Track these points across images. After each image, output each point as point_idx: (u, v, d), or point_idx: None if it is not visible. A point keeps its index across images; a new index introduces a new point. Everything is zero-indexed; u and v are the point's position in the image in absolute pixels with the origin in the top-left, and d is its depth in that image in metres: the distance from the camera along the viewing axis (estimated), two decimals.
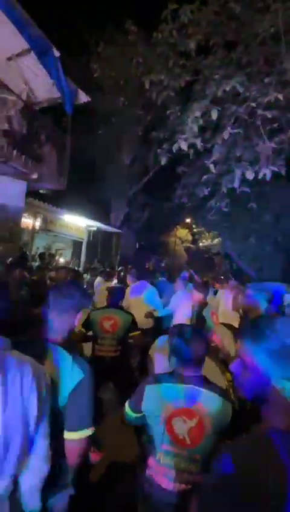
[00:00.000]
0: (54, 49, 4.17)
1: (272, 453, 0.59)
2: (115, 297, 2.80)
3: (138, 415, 1.32)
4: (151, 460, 1.25)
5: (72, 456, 1.10)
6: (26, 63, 4.67)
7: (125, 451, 2.21)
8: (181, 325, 1.40)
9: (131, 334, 2.71)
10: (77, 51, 9.46)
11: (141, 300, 3.81)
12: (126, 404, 1.39)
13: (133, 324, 2.71)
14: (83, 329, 2.65)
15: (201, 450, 1.20)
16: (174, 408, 1.22)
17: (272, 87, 3.28)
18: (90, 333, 2.69)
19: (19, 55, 4.57)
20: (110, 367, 2.57)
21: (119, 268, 6.26)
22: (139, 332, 2.78)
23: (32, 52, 4.15)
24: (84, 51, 9.91)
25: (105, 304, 2.82)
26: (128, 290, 3.85)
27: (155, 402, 1.25)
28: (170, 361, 1.34)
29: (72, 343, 1.32)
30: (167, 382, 1.27)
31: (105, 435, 1.56)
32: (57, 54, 4.17)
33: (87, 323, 2.64)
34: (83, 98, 5.16)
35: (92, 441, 1.14)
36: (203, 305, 3.55)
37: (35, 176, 4.63)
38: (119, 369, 2.61)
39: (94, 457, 1.25)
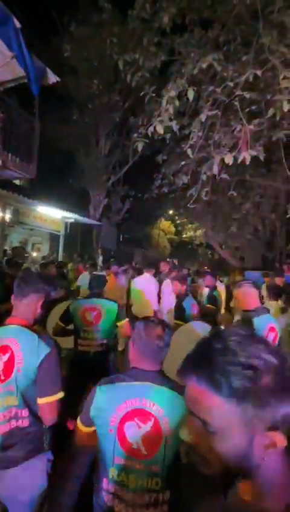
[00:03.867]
0: (15, 19, 3.74)
1: None
2: (98, 286, 2.57)
3: (90, 429, 1.11)
4: (104, 482, 1.05)
5: (46, 417, 1.28)
6: None
7: None
8: (146, 317, 1.26)
9: (118, 323, 2.50)
10: (47, 31, 8.86)
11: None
12: (78, 418, 1.16)
13: (120, 313, 2.50)
14: (60, 323, 2.42)
15: (160, 460, 1.01)
16: (126, 410, 1.05)
17: (250, 66, 3.10)
18: (71, 327, 2.45)
19: None
20: (94, 365, 2.33)
21: (125, 267, 6.08)
22: (127, 320, 2.57)
23: None
24: (55, 30, 9.29)
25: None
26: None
27: (105, 405, 1.07)
28: (131, 357, 1.18)
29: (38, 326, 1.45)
30: (120, 381, 1.11)
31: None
32: (18, 25, 3.75)
33: (67, 316, 2.41)
34: (52, 78, 4.75)
35: (67, 411, 1.34)
36: (183, 296, 3.46)
37: None
38: (103, 368, 2.37)
39: (70, 424, 1.43)
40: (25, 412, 1.27)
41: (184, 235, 22.28)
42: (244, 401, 0.45)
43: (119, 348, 2.82)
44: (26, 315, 1.36)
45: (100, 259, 7.85)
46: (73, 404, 1.98)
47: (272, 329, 2.01)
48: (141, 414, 1.04)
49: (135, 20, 4.27)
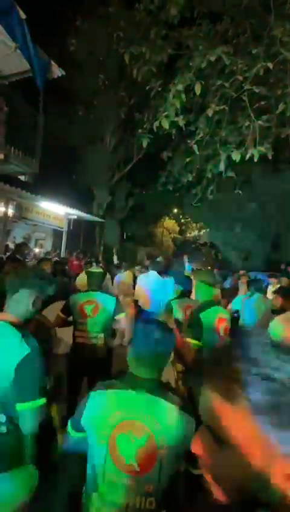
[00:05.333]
0: (20, 10, 3.67)
1: None
2: (96, 280, 2.64)
3: (80, 435, 1.03)
4: (94, 497, 0.96)
5: (25, 425, 1.16)
6: None
7: None
8: (147, 319, 1.17)
9: (116, 317, 2.53)
10: (52, 24, 8.77)
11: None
12: (68, 422, 1.09)
13: (118, 307, 2.55)
14: (61, 315, 2.50)
15: (155, 478, 0.92)
16: (119, 420, 0.96)
17: (261, 59, 2.99)
18: (70, 318, 2.53)
19: None
20: (89, 358, 2.37)
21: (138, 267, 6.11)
22: (124, 314, 2.61)
23: None
24: (61, 24, 9.19)
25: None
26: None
27: (97, 412, 0.99)
28: (128, 362, 1.08)
29: (27, 325, 1.36)
30: (115, 388, 1.02)
31: None
32: (23, 15, 3.68)
33: (68, 308, 2.49)
34: (56, 71, 4.68)
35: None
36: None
37: (0, 157, 4.18)
38: (99, 360, 2.40)
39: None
40: (2, 418, 1.16)
41: (188, 234, 22.17)
42: (263, 416, 0.39)
43: (116, 342, 2.84)
44: (15, 311, 1.29)
45: (114, 257, 7.80)
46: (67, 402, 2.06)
47: (221, 320, 2.10)
48: (135, 427, 0.95)
49: (141, 13, 4.17)
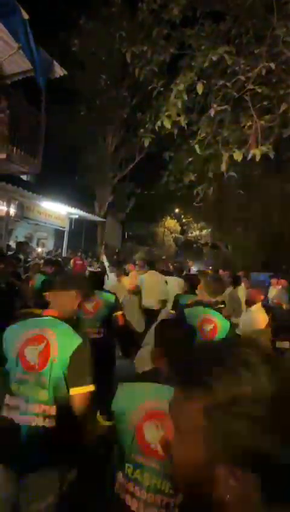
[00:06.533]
0: (22, 10, 3.68)
1: None
2: (96, 280, 2.88)
3: (108, 423, 1.23)
4: (119, 476, 1.08)
5: (77, 408, 1.29)
6: None
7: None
8: (168, 320, 1.43)
9: (114, 313, 2.78)
10: (55, 24, 8.77)
11: None
12: (97, 412, 1.30)
13: (116, 304, 2.81)
14: None
15: None
16: (146, 410, 1.07)
17: (263, 59, 2.98)
18: None
19: None
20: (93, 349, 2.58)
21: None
22: (122, 312, 2.88)
23: None
24: (63, 24, 9.20)
25: None
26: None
27: (127, 402, 1.11)
28: (151, 355, 1.24)
29: (72, 320, 1.52)
30: (144, 380, 1.15)
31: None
32: (25, 16, 3.69)
33: None
34: (58, 71, 4.68)
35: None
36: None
37: (2, 156, 4.18)
38: (101, 352, 2.59)
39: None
40: (53, 410, 1.26)
41: (190, 234, 22.13)
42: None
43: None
44: (60, 308, 1.44)
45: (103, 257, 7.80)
46: None
47: (206, 321, 2.14)
48: (160, 416, 1.04)
49: (144, 12, 4.17)
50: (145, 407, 1.07)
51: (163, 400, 1.00)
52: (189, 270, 6.12)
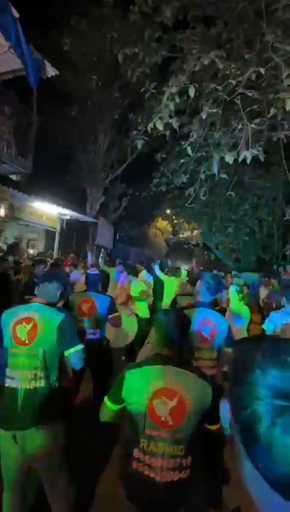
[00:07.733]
0: (13, 8, 3.64)
1: None
2: (93, 282, 2.92)
3: (119, 406, 1.34)
4: (135, 452, 1.25)
5: (75, 362, 1.67)
6: None
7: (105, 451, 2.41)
8: (165, 309, 1.59)
9: (110, 316, 2.83)
10: (46, 23, 8.69)
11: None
12: (105, 398, 1.39)
13: (112, 306, 2.85)
14: None
15: (183, 429, 1.23)
16: (155, 389, 1.26)
17: (253, 64, 3.05)
18: None
19: None
20: (89, 349, 2.58)
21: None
22: (118, 314, 2.91)
23: None
24: (54, 23, 9.12)
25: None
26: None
27: (137, 386, 1.29)
28: (153, 342, 1.50)
29: (56, 306, 1.83)
30: (147, 365, 1.33)
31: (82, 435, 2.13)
32: (16, 14, 3.65)
33: (66, 307, 2.71)
34: (50, 70, 4.65)
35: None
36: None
37: None
38: (97, 352, 2.66)
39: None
40: (43, 374, 1.57)
41: (181, 235, 22.25)
42: None
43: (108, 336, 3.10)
44: (46, 296, 1.77)
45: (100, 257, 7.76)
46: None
47: (205, 323, 2.18)
48: (167, 392, 1.25)
49: (136, 14, 4.18)
50: (154, 386, 1.25)
51: (168, 379, 1.26)
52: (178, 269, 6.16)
